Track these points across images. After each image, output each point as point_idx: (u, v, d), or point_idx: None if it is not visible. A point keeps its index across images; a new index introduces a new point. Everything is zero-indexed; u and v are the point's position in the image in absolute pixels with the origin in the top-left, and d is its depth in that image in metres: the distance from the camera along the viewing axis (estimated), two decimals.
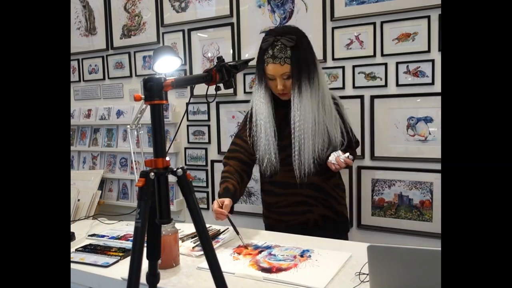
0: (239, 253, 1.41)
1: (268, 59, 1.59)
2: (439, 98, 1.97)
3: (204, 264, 1.01)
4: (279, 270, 1.25)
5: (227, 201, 1.54)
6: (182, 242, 1.56)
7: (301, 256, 1.36)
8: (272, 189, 1.74)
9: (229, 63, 1.13)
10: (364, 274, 1.16)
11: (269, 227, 1.79)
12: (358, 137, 2.15)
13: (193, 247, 1.47)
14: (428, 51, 1.97)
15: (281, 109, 1.67)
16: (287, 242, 1.49)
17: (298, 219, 1.70)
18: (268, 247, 1.45)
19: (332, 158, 1.57)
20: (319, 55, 2.19)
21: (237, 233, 1.50)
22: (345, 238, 1.78)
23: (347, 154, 1.56)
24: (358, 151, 2.15)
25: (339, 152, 1.58)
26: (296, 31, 1.62)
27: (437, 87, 1.97)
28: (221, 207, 1.51)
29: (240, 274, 1.24)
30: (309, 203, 1.69)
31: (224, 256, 1.38)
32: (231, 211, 1.57)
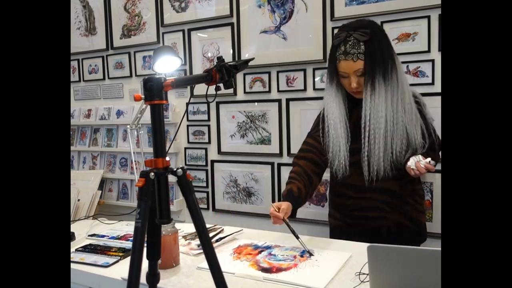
0: (239, 253, 1.41)
1: (340, 56, 1.50)
2: (439, 98, 1.96)
3: (204, 264, 1.01)
4: (279, 270, 1.25)
5: (284, 205, 1.46)
6: (186, 240, 1.56)
7: (301, 256, 1.36)
8: (344, 192, 1.64)
9: (229, 63, 1.12)
10: (364, 274, 1.16)
11: (338, 230, 1.69)
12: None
13: (188, 242, 1.48)
14: (428, 51, 1.97)
15: (356, 109, 1.57)
16: (287, 242, 1.49)
17: (370, 225, 1.59)
18: (268, 247, 1.45)
19: (412, 163, 1.43)
20: (319, 55, 2.20)
21: (297, 237, 1.42)
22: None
23: (429, 159, 1.42)
24: None
25: (420, 156, 1.44)
26: (371, 24, 1.52)
27: (437, 87, 1.97)
28: (278, 211, 1.44)
29: (240, 274, 1.24)
30: (383, 209, 1.58)
31: (224, 256, 1.38)
32: (293, 215, 1.51)
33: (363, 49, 1.46)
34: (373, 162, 1.51)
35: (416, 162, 1.42)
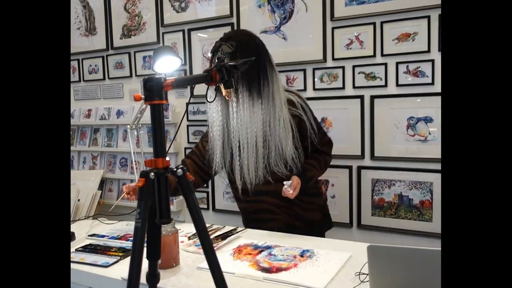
0: (239, 253, 1.41)
1: (213, 65, 1.54)
2: (439, 98, 1.97)
3: (204, 264, 1.01)
4: (279, 270, 1.25)
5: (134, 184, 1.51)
6: (189, 240, 1.57)
7: (301, 256, 1.36)
8: (237, 196, 1.74)
9: (229, 63, 1.12)
10: (364, 274, 1.16)
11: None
12: (357, 136, 2.15)
13: (194, 241, 1.49)
14: (428, 51, 1.97)
15: None
16: (287, 242, 1.49)
17: (264, 226, 1.68)
18: (268, 247, 1.45)
19: (285, 187, 1.55)
20: (319, 55, 2.20)
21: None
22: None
23: (291, 186, 1.55)
24: (357, 151, 2.16)
25: (288, 182, 1.56)
26: (241, 36, 1.57)
27: (437, 87, 1.97)
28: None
29: (240, 274, 1.24)
30: (273, 211, 1.68)
31: (224, 256, 1.38)
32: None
33: (228, 61, 1.48)
34: (246, 171, 1.57)
35: (284, 190, 1.56)
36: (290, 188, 1.55)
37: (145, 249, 0.95)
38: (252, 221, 1.75)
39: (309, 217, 1.73)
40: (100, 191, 2.61)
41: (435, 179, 2.01)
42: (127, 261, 1.11)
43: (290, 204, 1.67)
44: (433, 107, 1.99)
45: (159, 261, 1.05)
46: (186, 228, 1.71)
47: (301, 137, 1.64)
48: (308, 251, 1.39)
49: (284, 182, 1.57)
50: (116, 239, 1.65)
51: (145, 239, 0.93)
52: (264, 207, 1.69)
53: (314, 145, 1.67)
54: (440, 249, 0.83)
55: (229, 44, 1.53)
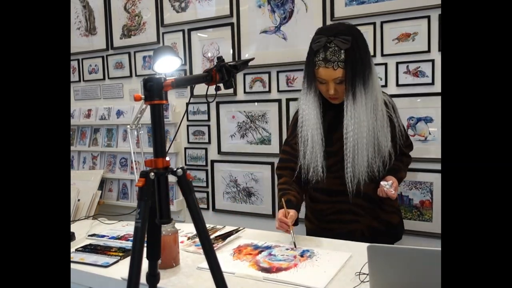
0: (239, 253, 1.41)
1: (319, 62, 1.47)
2: (439, 98, 1.97)
3: (204, 264, 1.01)
4: (279, 270, 1.25)
5: (292, 212, 1.47)
6: (188, 240, 1.57)
7: (301, 256, 1.36)
8: (318, 196, 1.65)
9: (229, 63, 1.12)
10: (364, 274, 1.16)
11: (312, 233, 1.69)
12: None
13: (194, 241, 1.48)
14: (428, 51, 1.97)
15: (330, 112, 1.58)
16: (287, 242, 1.49)
17: (345, 228, 1.60)
18: (268, 247, 1.45)
19: (387, 186, 1.50)
20: None
21: (295, 246, 1.44)
22: None
23: (392, 186, 1.50)
24: None
25: (389, 182, 1.51)
26: (351, 30, 1.50)
27: (437, 87, 1.97)
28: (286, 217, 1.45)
29: (240, 274, 1.24)
30: (357, 212, 1.59)
31: (224, 256, 1.38)
32: (296, 223, 1.51)
33: (344, 57, 1.44)
34: (357, 171, 1.50)
35: (381, 188, 1.51)
36: (392, 187, 1.49)
37: (145, 249, 0.95)
38: (329, 222, 1.64)
39: (389, 219, 1.66)
40: (100, 191, 2.61)
41: (435, 179, 2.01)
42: (127, 261, 1.11)
43: (374, 206, 1.61)
44: (433, 107, 1.99)
45: (159, 261, 1.05)
46: (186, 228, 1.71)
47: (392, 138, 1.58)
48: (308, 251, 1.39)
49: (383, 183, 1.51)
50: (116, 239, 1.65)
51: (145, 239, 0.93)
52: (346, 208, 1.59)
53: (401, 147, 1.62)
54: (440, 249, 0.83)
55: (343, 39, 1.44)
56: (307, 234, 1.72)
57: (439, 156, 1.98)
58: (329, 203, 1.62)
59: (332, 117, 1.58)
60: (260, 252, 1.41)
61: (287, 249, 1.42)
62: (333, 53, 1.45)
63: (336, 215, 1.62)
